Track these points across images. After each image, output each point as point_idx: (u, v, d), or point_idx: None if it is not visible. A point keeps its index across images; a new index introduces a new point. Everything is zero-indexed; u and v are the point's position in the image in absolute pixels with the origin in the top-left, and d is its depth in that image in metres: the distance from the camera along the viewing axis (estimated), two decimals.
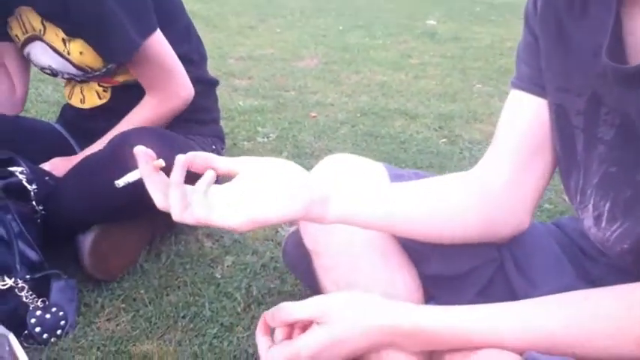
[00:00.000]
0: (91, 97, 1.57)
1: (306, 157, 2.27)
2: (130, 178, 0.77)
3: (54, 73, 1.53)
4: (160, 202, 0.74)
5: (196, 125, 1.60)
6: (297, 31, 5.17)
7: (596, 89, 0.75)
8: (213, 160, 0.77)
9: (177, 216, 0.73)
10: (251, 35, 4.93)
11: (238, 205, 0.73)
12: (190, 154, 0.76)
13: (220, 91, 3.13)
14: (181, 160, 0.74)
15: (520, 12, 0.89)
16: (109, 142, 1.35)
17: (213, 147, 1.64)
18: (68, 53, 1.43)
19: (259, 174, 0.76)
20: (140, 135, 1.29)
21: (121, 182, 0.77)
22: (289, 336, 0.78)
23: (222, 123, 2.61)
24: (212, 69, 3.61)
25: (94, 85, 1.55)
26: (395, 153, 2.37)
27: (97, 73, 1.47)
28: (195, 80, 1.52)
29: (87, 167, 1.37)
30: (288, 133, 2.56)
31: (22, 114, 1.73)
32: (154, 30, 1.41)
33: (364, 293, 0.80)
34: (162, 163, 0.75)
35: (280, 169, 0.78)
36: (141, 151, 0.74)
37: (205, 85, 1.64)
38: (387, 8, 6.93)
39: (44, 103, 2.74)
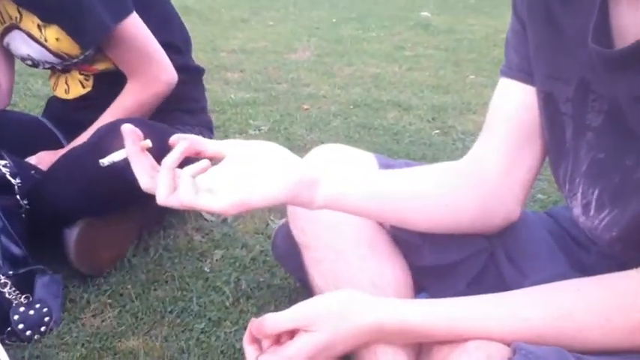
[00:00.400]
0: (74, 87, 1.54)
1: (298, 150, 2.24)
2: (115, 157, 0.75)
3: (35, 64, 1.50)
4: (145, 183, 0.72)
5: (183, 115, 1.57)
6: (290, 24, 5.15)
7: (584, 75, 0.74)
8: (201, 143, 0.75)
9: (162, 199, 0.71)
10: (244, 28, 4.90)
11: (225, 189, 0.71)
12: (177, 135, 0.74)
13: (212, 85, 3.13)
14: (183, 146, 0.72)
15: None
16: (95, 132, 1.33)
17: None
18: (45, 40, 1.41)
19: (247, 157, 0.74)
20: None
21: (105, 161, 0.75)
22: (277, 341, 0.77)
23: (213, 116, 2.59)
24: (204, 62, 3.58)
25: (76, 74, 1.53)
26: (388, 144, 2.35)
27: (75, 60, 1.44)
28: (181, 69, 1.50)
29: (72, 158, 1.35)
30: (280, 125, 2.54)
31: (10, 108, 1.71)
32: (129, 13, 1.39)
33: (349, 292, 0.79)
34: (149, 143, 0.73)
35: (268, 152, 0.76)
36: (128, 129, 0.73)
37: (191, 74, 1.62)
38: (380, 0, 6.90)
39: (33, 97, 2.72)
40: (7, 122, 1.58)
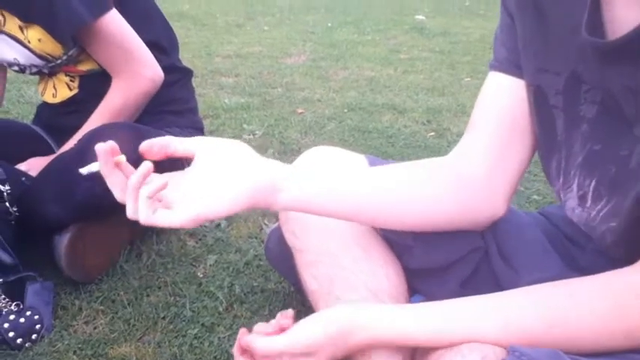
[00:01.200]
0: (62, 90, 1.53)
1: (292, 154, 2.23)
2: (93, 167, 0.77)
3: (22, 69, 1.49)
4: (119, 196, 0.75)
5: (171, 116, 1.56)
6: (285, 29, 5.15)
7: (575, 67, 0.73)
8: (170, 146, 0.77)
9: (130, 216, 0.74)
10: (239, 33, 4.90)
11: (182, 203, 0.74)
12: (147, 142, 0.77)
13: (206, 89, 3.12)
14: (145, 169, 0.73)
15: None
16: (80, 139, 1.32)
17: None
18: (28, 42, 1.40)
19: (208, 164, 0.76)
20: (111, 130, 1.27)
21: (84, 170, 0.78)
22: None
23: (207, 121, 2.58)
24: (199, 67, 3.57)
25: (62, 77, 1.52)
26: (383, 147, 2.34)
27: (60, 61, 1.44)
28: (168, 69, 1.49)
29: (57, 165, 1.34)
30: (274, 129, 2.53)
31: (3, 115, 1.70)
32: (107, 10, 1.38)
33: (344, 311, 0.77)
34: (123, 158, 0.76)
35: (230, 157, 0.77)
36: (101, 149, 0.75)
37: (179, 74, 1.60)
38: (376, 4, 6.91)
39: (26, 104, 2.70)
40: None
